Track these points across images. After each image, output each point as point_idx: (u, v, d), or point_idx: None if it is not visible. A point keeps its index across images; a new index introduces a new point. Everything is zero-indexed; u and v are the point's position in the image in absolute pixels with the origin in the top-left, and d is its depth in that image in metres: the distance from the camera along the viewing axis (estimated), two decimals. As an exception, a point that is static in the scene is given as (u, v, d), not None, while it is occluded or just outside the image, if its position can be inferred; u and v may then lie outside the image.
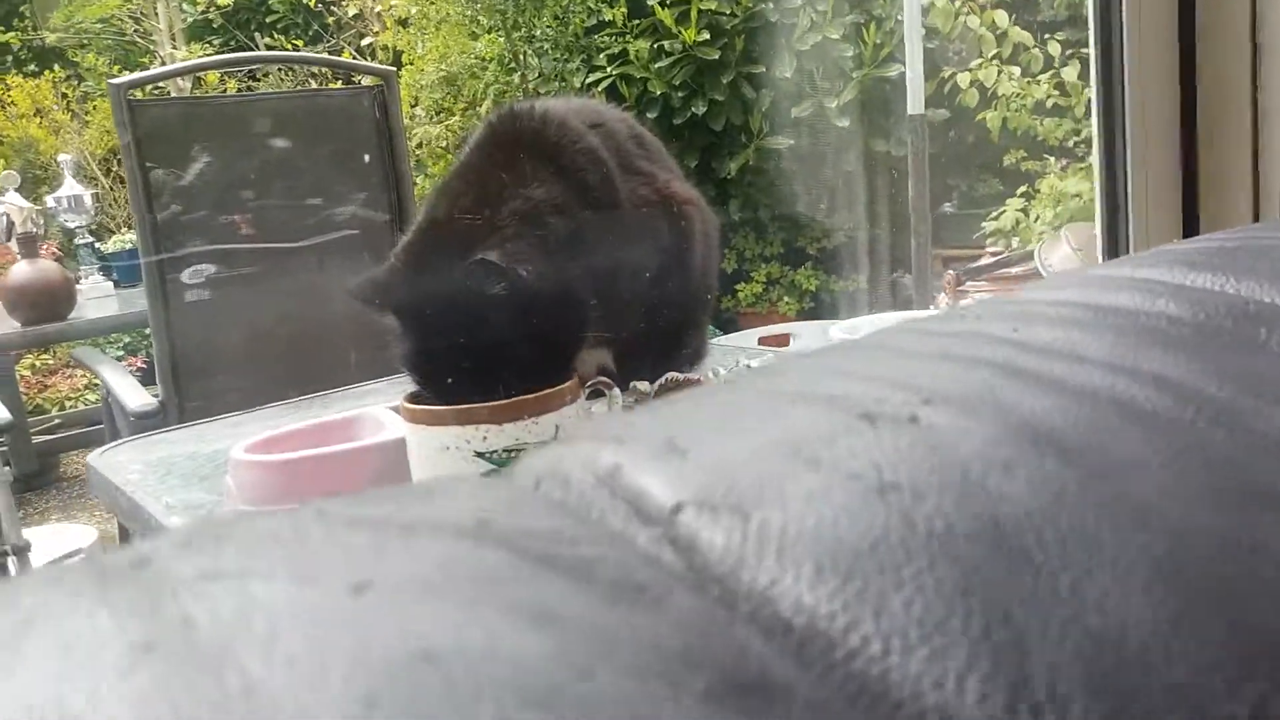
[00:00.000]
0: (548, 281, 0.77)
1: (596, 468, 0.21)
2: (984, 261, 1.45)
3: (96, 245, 3.03)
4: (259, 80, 4.81)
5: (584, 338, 0.83)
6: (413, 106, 4.04)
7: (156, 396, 1.99)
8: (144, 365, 4.12)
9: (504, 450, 0.71)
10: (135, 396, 1.96)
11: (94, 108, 5.39)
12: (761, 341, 1.70)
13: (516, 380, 0.73)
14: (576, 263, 0.83)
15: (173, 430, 1.26)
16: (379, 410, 0.98)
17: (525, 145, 0.86)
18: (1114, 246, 0.96)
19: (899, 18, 4.37)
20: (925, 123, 2.43)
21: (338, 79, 4.00)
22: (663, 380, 0.90)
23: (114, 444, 1.20)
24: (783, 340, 1.76)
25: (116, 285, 3.01)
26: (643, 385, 0.96)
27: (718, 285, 1.07)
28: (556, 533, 0.19)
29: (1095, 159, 1.05)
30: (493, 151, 0.88)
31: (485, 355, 0.75)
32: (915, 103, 2.36)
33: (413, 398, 0.77)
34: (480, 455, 0.71)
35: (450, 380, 0.76)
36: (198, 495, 0.97)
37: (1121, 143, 0.93)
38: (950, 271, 1.36)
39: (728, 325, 4.24)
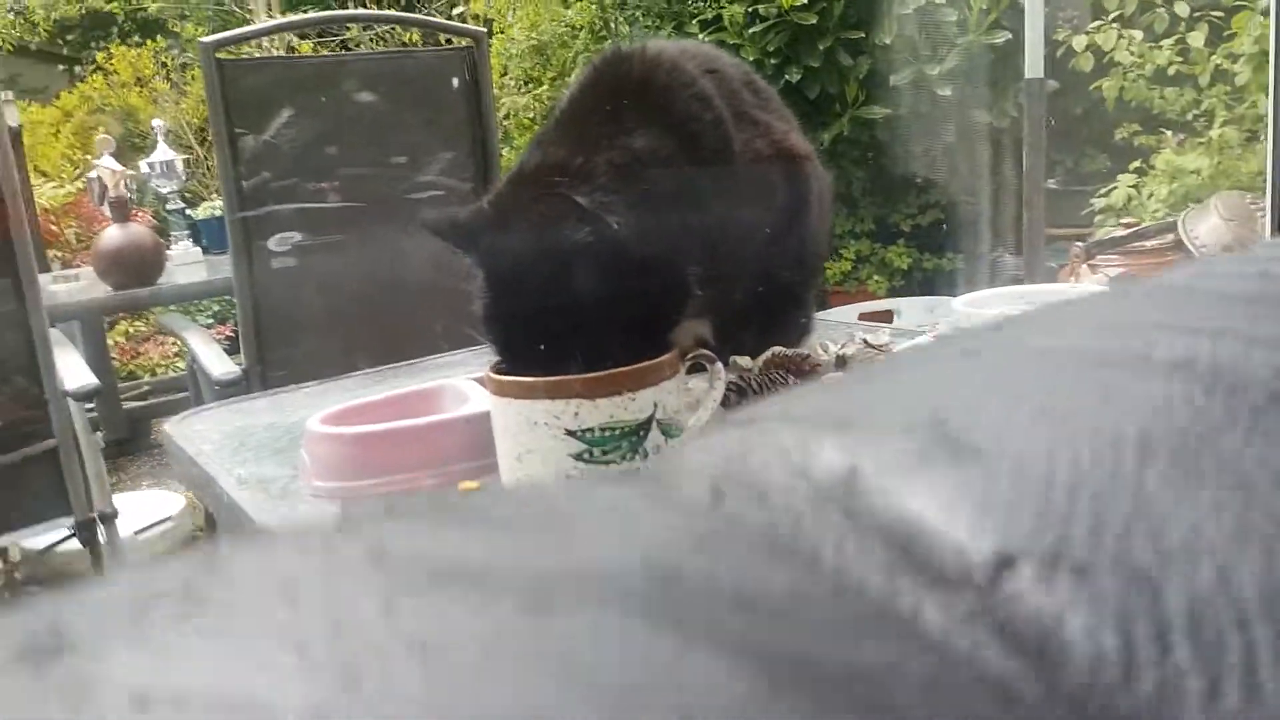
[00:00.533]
0: (644, 238, 0.68)
1: (812, 472, 0.13)
2: (1116, 233, 1.32)
3: (187, 211, 3.04)
4: (353, 49, 4.82)
5: (684, 306, 0.73)
6: (501, 76, 3.99)
7: (240, 365, 1.97)
8: (231, 334, 4.18)
9: (598, 428, 0.63)
10: (219, 364, 1.94)
11: (192, 77, 5.49)
12: (862, 317, 1.61)
13: (604, 351, 0.65)
14: (680, 220, 0.74)
15: (252, 399, 1.22)
16: (462, 381, 0.91)
17: (631, 90, 0.78)
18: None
19: (1006, -18, 4.16)
20: (1044, 86, 2.26)
21: (428, 43, 3.98)
22: (768, 355, 0.81)
23: (191, 411, 1.16)
24: (885, 316, 1.66)
25: (205, 251, 3.03)
26: (744, 360, 0.87)
27: (829, 252, 0.97)
28: (775, 599, 0.11)
29: (1268, 130, 0.91)
30: (595, 96, 0.79)
31: (569, 319, 0.66)
32: (1034, 66, 2.20)
33: (498, 367, 0.69)
34: (571, 433, 0.63)
35: (527, 344, 0.67)
36: (271, 469, 0.92)
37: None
38: (1078, 245, 1.24)
39: (817, 302, 4.09)
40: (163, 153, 2.90)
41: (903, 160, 4.26)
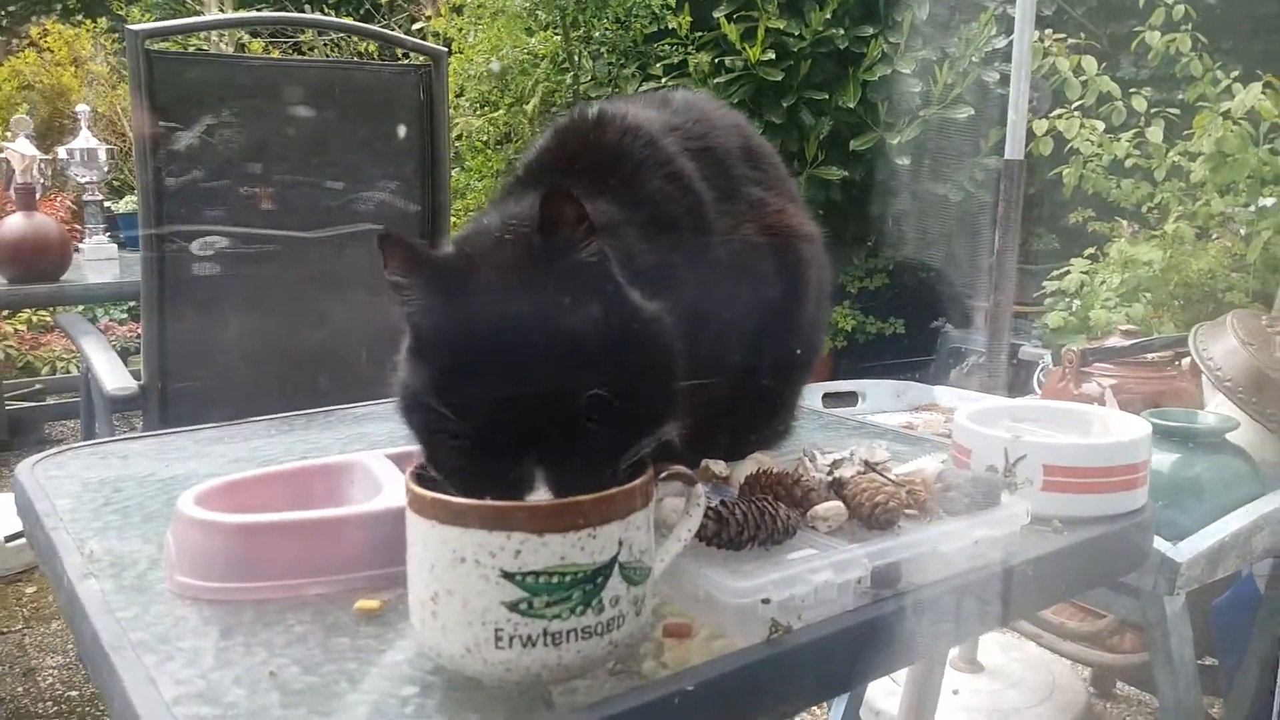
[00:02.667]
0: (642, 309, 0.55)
1: None
2: (1114, 342, 1.24)
3: (105, 203, 2.83)
4: (305, 53, 4.63)
5: (678, 400, 0.59)
6: (457, 96, 3.85)
7: (139, 380, 1.78)
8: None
9: (545, 572, 0.49)
10: (114, 376, 1.75)
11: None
12: (826, 399, 1.49)
13: (603, 459, 0.51)
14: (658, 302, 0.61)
15: (129, 440, 1.05)
16: (374, 459, 0.77)
17: (602, 162, 0.65)
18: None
19: (973, 59, 4.17)
20: (1022, 169, 2.21)
21: (385, 57, 3.82)
22: (752, 472, 0.68)
23: (53, 451, 0.99)
24: (849, 399, 1.55)
25: (123, 247, 2.82)
26: (717, 465, 0.74)
27: (823, 345, 0.84)
28: None
29: None
30: (564, 160, 0.67)
31: (562, 411, 0.51)
32: (1014, 147, 2.15)
33: (420, 474, 0.55)
34: (508, 576, 0.49)
35: (492, 439, 0.51)
36: (133, 543, 0.75)
37: None
38: (1071, 349, 1.16)
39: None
40: (84, 140, 2.69)
41: (855, 223, 4.24)
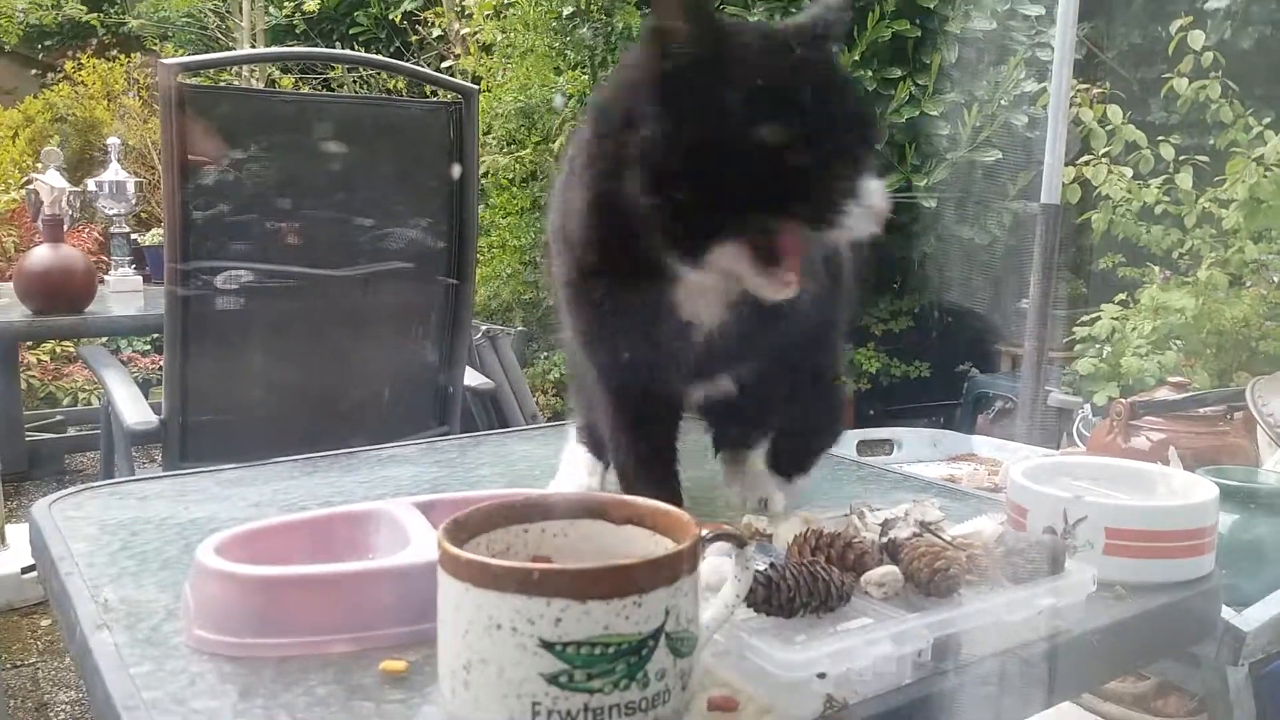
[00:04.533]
0: None
1: None
2: (1165, 394, 1.20)
3: (133, 236, 2.84)
4: (335, 89, 4.67)
5: None
6: (485, 134, 3.86)
7: (159, 412, 1.76)
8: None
9: (587, 642, 0.46)
10: (134, 410, 1.74)
11: (162, 97, 5.29)
12: (861, 445, 1.45)
13: None
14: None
15: (149, 480, 1.02)
16: (401, 507, 0.74)
17: None
18: None
19: (1002, 102, 4.15)
20: (1059, 214, 2.18)
21: (414, 94, 3.84)
22: (802, 531, 0.64)
23: (71, 491, 0.96)
24: (884, 447, 1.51)
25: (148, 280, 2.82)
26: (760, 522, 0.70)
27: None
28: None
29: None
30: None
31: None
32: (1050, 192, 2.13)
33: (454, 529, 0.51)
34: (547, 646, 0.46)
35: None
36: (150, 591, 0.72)
37: None
38: (1121, 401, 1.12)
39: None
40: (114, 172, 2.70)
41: (881, 265, 4.21)
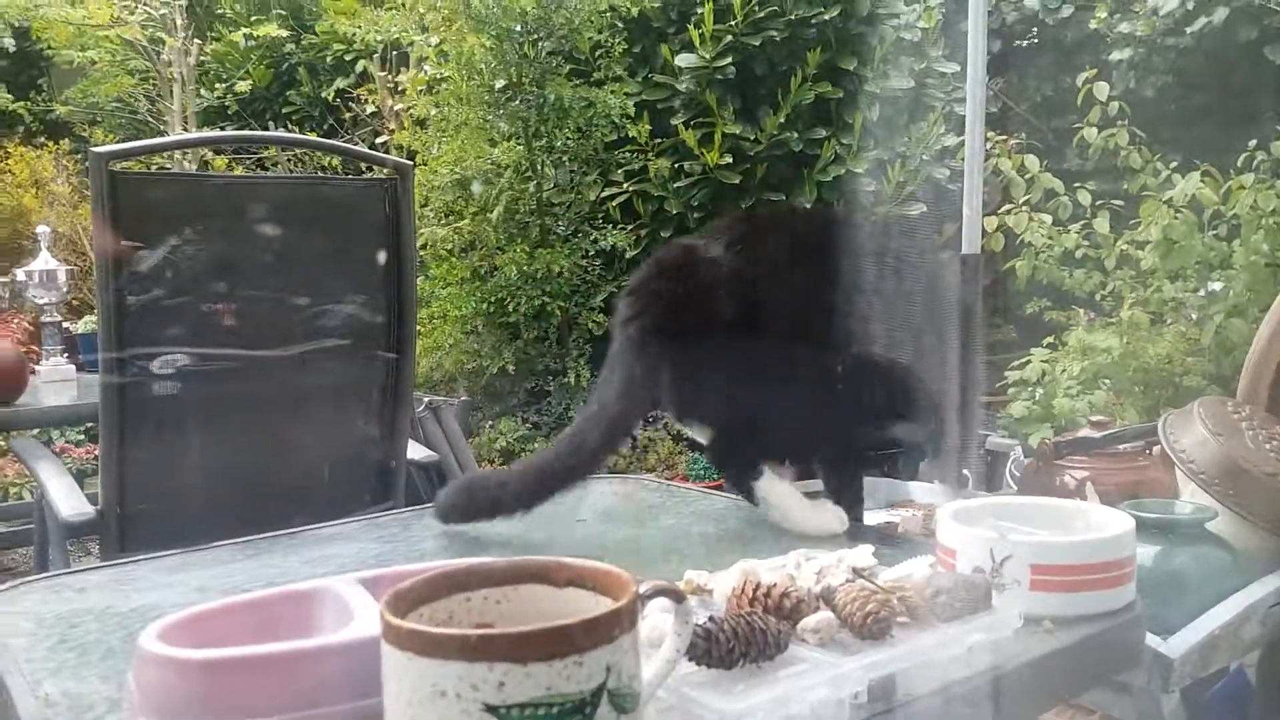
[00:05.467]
0: None
1: None
2: (1086, 433, 1.25)
3: (64, 325, 2.79)
4: (268, 169, 4.67)
5: None
6: (422, 206, 3.89)
7: (95, 503, 1.73)
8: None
9: (530, 704, 0.47)
10: (70, 502, 1.70)
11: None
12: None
13: None
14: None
15: (88, 570, 1.01)
16: (344, 584, 0.74)
17: None
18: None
19: (924, 157, 4.30)
20: (981, 263, 2.26)
21: (349, 171, 3.87)
22: (739, 585, 0.66)
23: (5, 586, 0.94)
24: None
25: (82, 368, 2.77)
26: (700, 576, 0.72)
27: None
28: None
29: None
30: None
31: None
32: (971, 242, 2.21)
33: (395, 600, 0.52)
34: (491, 710, 0.47)
35: None
36: (92, 684, 0.72)
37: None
38: (1046, 441, 1.17)
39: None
40: (44, 261, 2.67)
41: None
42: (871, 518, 1.28)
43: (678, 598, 0.56)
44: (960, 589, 0.64)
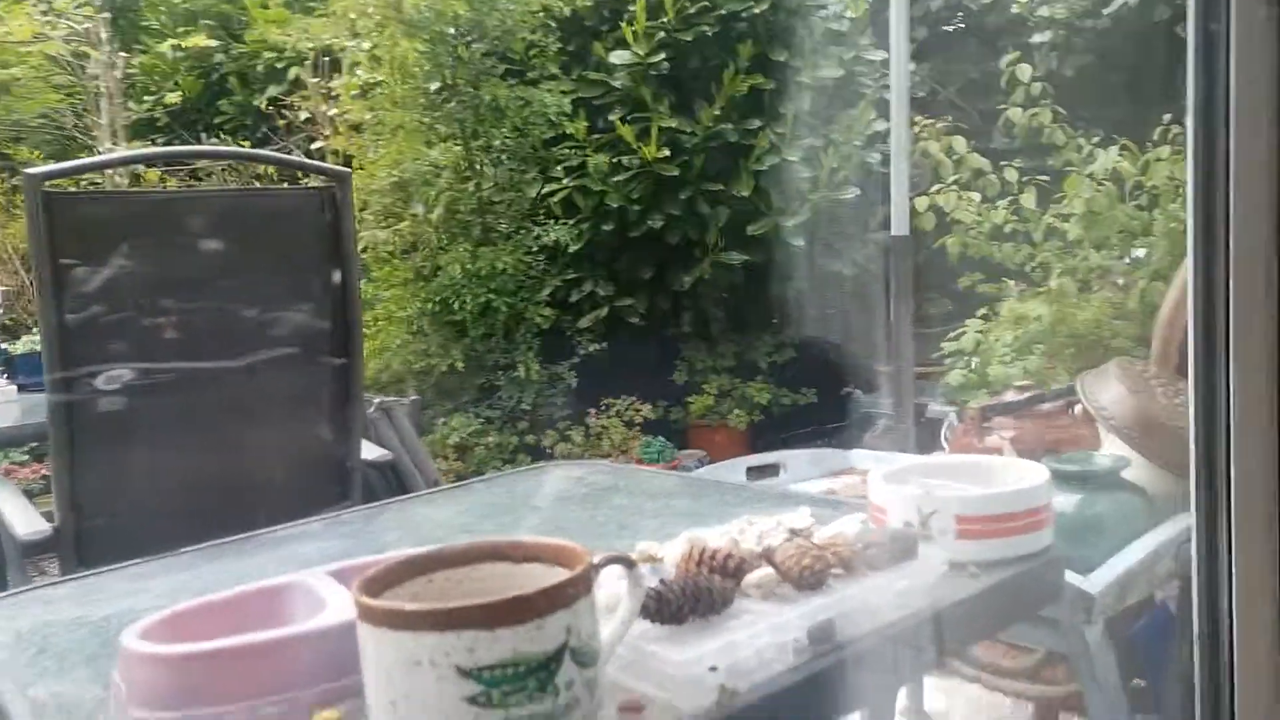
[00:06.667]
0: None
1: None
2: (1011, 397, 1.33)
3: (2, 346, 2.76)
4: (202, 180, 4.62)
5: None
6: (362, 210, 3.89)
7: (52, 523, 1.73)
8: (48, 474, 3.78)
9: (499, 665, 0.51)
10: (25, 520, 1.70)
11: (23, 201, 5.13)
12: (750, 472, 1.54)
13: None
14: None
15: (55, 584, 1.03)
16: (313, 577, 0.78)
17: None
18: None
19: (856, 144, 4.40)
20: (908, 243, 2.34)
21: (284, 180, 3.84)
22: (687, 550, 0.71)
23: (-22, 604, 0.96)
24: (771, 470, 1.60)
25: (21, 389, 2.74)
26: (651, 547, 0.77)
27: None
28: None
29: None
30: None
31: None
32: (900, 224, 2.29)
33: (367, 584, 0.57)
34: (464, 673, 0.51)
35: None
36: (78, 686, 0.75)
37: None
38: (972, 407, 1.23)
39: (678, 436, 4.10)
40: (-22, 284, 2.64)
41: (761, 303, 4.39)
42: (815, 486, 1.34)
43: (629, 564, 0.61)
44: (888, 541, 0.69)
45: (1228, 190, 0.81)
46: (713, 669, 0.58)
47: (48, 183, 1.67)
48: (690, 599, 0.62)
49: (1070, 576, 1.01)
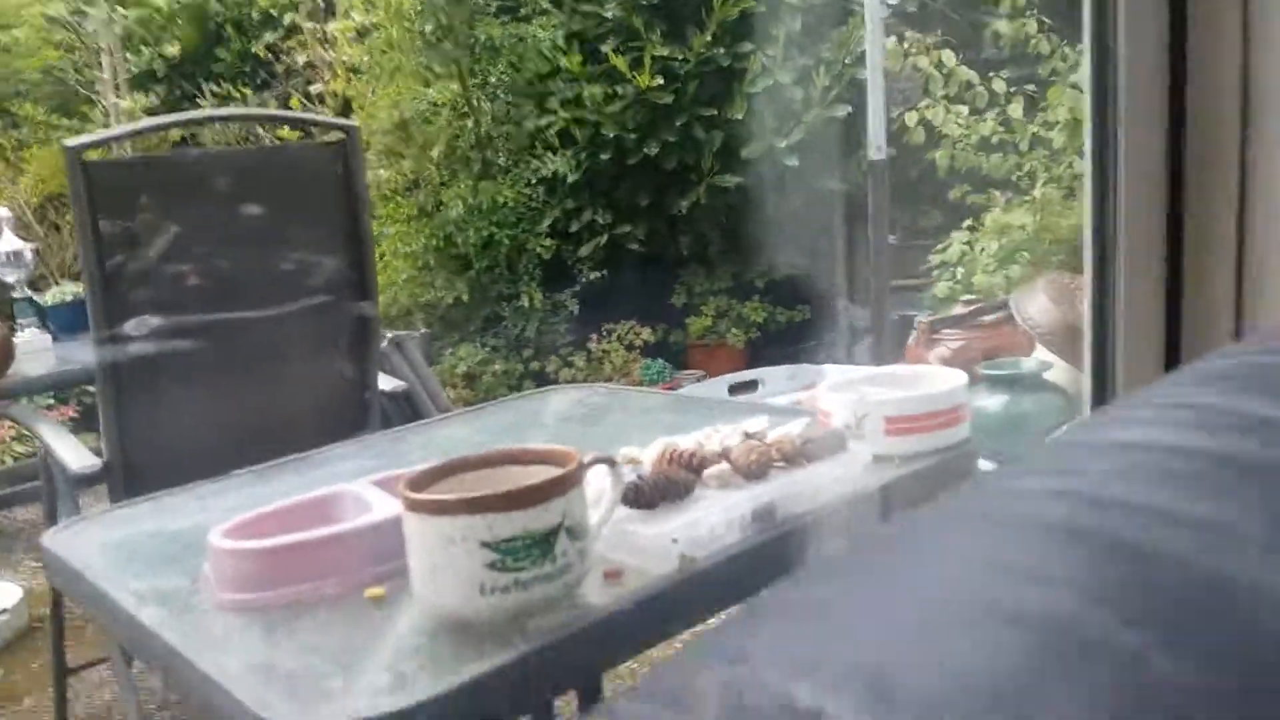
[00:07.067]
0: None
1: (795, 711, 0.19)
2: (957, 311, 1.47)
3: (34, 298, 2.92)
4: (200, 129, 4.72)
5: None
6: (365, 150, 4.00)
7: (100, 456, 1.91)
8: (75, 414, 3.99)
9: (512, 539, 0.68)
10: (76, 456, 1.87)
11: (30, 155, 5.24)
12: (732, 387, 1.70)
13: None
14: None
15: (130, 505, 1.20)
16: (360, 486, 0.94)
17: None
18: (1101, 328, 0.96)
19: (846, 61, 4.45)
20: (886, 167, 2.46)
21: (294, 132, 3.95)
22: (661, 451, 0.87)
23: (68, 523, 1.13)
24: (750, 386, 1.76)
25: (55, 339, 2.90)
26: (632, 451, 0.93)
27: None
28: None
29: (1085, 253, 1.04)
30: None
31: None
32: (876, 148, 2.39)
33: (411, 484, 0.73)
34: (486, 545, 0.68)
35: None
36: (170, 580, 0.92)
37: (1112, 256, 0.94)
38: (922, 320, 1.38)
39: (678, 357, 4.26)
40: (9, 242, 2.78)
41: (756, 224, 4.50)
42: (788, 398, 1.50)
43: (612, 463, 0.77)
44: (823, 439, 0.85)
45: (1116, 109, 0.94)
46: (674, 541, 0.75)
47: (86, 152, 1.81)
48: (660, 490, 0.78)
49: (985, 464, 1.17)
